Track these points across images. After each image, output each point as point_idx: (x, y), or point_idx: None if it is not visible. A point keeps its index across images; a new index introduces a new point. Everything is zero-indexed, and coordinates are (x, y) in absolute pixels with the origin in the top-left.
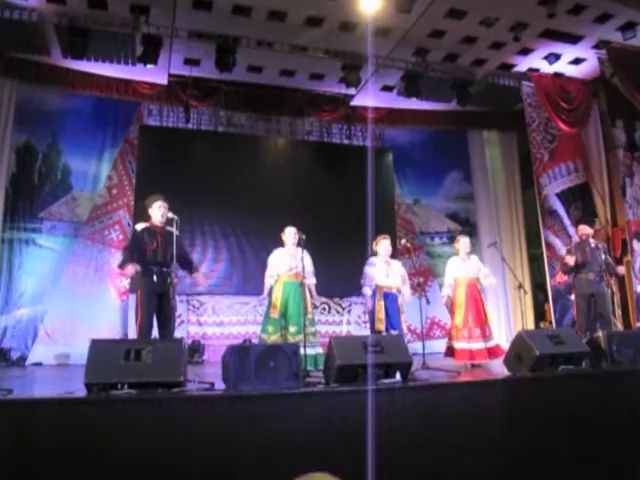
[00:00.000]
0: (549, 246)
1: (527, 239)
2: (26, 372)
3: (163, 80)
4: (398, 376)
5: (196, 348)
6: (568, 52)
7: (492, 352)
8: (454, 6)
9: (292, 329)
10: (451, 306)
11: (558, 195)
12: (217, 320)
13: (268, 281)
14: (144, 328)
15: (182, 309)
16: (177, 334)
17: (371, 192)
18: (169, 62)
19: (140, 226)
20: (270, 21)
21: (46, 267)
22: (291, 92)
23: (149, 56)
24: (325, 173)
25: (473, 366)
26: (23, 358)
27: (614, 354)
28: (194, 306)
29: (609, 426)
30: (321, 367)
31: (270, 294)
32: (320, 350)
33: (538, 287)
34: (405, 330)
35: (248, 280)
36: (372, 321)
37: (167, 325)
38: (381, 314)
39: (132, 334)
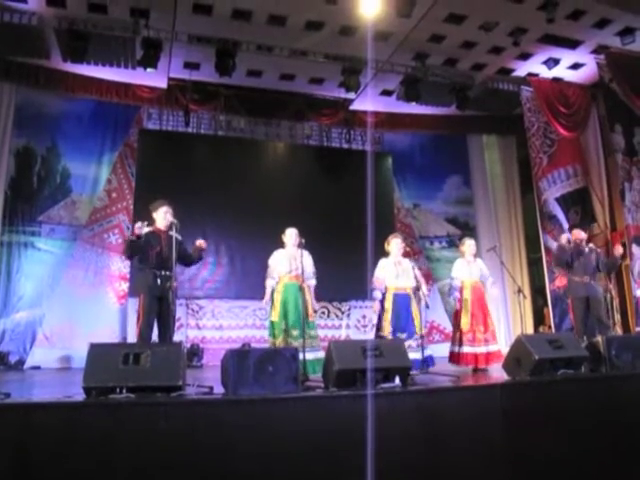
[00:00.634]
0: (548, 250)
1: (526, 243)
2: (24, 376)
3: (163, 84)
4: (397, 380)
5: (195, 352)
6: (567, 57)
7: (495, 356)
8: (453, 11)
9: (294, 332)
10: (456, 309)
11: (557, 199)
12: (216, 324)
13: (269, 283)
14: (145, 332)
15: (181, 313)
16: (176, 338)
17: (370, 196)
18: (169, 66)
19: (145, 229)
20: (270, 25)
21: (45, 270)
22: (291, 96)
23: (149, 60)
24: (324, 177)
25: (474, 370)
26: (21, 362)
27: (613, 358)
28: (193, 310)
29: (608, 430)
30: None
31: (272, 296)
32: (322, 354)
33: (537, 291)
34: (418, 332)
35: (247, 284)
36: (379, 324)
37: (166, 329)
38: (388, 316)
39: (131, 338)
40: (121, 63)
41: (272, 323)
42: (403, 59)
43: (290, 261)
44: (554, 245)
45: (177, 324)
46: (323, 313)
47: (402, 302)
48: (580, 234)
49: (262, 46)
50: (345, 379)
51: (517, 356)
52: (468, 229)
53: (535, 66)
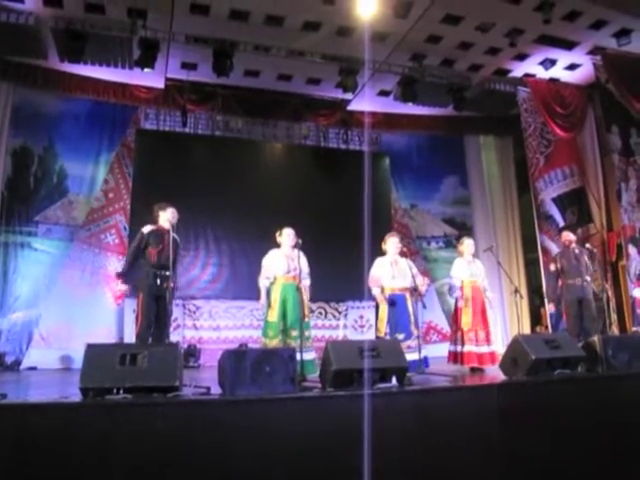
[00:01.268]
0: (545, 251)
1: (523, 244)
2: (21, 376)
3: (160, 84)
4: (394, 381)
5: (192, 352)
6: (564, 58)
7: (493, 357)
8: (450, 12)
9: (293, 333)
10: (454, 309)
11: (554, 200)
12: (213, 324)
13: (263, 283)
14: (143, 332)
15: (178, 313)
16: (173, 338)
17: (368, 197)
18: (166, 66)
19: (147, 228)
20: (267, 26)
21: (42, 271)
22: (288, 96)
23: (146, 60)
24: (322, 177)
25: (472, 370)
26: (18, 362)
27: (610, 358)
28: (190, 310)
29: (605, 430)
30: (313, 373)
31: (268, 296)
32: (313, 355)
33: (534, 292)
34: (415, 332)
35: (245, 284)
36: (377, 324)
37: (162, 329)
38: (383, 318)
39: (128, 338)
40: (118, 63)
41: (268, 323)
42: (400, 60)
43: (287, 261)
44: (551, 246)
45: (174, 324)
46: (320, 313)
47: (399, 303)
48: (569, 236)
49: (259, 46)
50: (342, 379)
51: (514, 356)
52: (465, 229)
53: (532, 67)
